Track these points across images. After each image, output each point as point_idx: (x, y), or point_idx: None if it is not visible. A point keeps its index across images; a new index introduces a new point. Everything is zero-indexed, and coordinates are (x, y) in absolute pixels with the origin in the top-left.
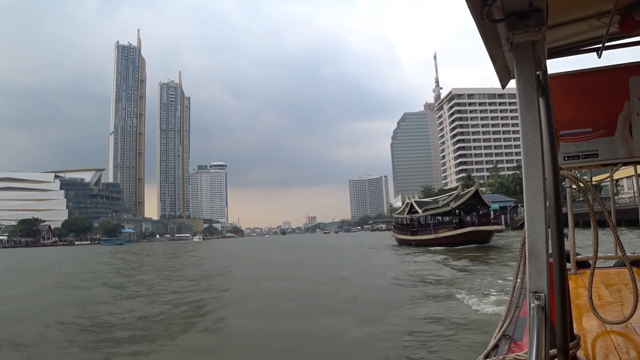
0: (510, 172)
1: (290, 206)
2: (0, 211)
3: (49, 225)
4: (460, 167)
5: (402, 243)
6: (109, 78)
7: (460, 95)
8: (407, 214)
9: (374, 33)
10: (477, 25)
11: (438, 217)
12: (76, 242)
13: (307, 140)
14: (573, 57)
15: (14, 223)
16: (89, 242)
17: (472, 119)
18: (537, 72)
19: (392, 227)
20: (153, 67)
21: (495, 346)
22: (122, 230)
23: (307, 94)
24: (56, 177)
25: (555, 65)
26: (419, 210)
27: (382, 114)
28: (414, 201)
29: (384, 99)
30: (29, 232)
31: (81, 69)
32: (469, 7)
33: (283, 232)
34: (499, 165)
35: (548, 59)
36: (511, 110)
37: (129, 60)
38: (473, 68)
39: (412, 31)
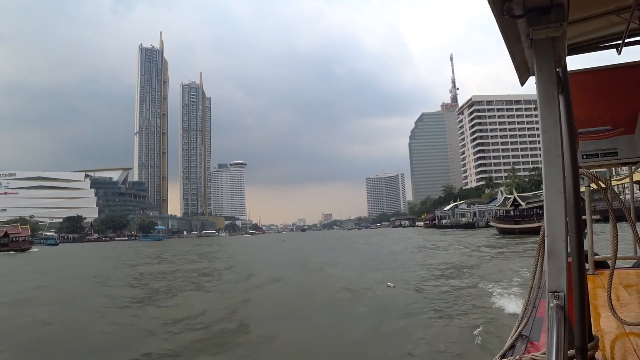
0: (526, 174)
1: (304, 203)
2: (35, 209)
3: (91, 223)
4: (480, 169)
5: (503, 232)
6: (125, 77)
7: (480, 102)
8: (510, 206)
9: (386, 30)
10: (497, 21)
11: (539, 209)
12: (116, 238)
13: (320, 138)
14: (592, 54)
15: (48, 220)
16: (126, 238)
17: (490, 124)
18: (557, 69)
19: (493, 218)
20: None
21: (512, 346)
22: (156, 227)
23: (319, 91)
24: (86, 176)
25: (574, 62)
26: (522, 204)
27: (396, 111)
28: (517, 195)
29: (397, 95)
30: (73, 228)
31: (96, 69)
32: (489, 3)
33: (302, 229)
34: (516, 167)
35: (567, 55)
36: (527, 116)
37: (152, 62)
38: (485, 64)
39: (425, 26)
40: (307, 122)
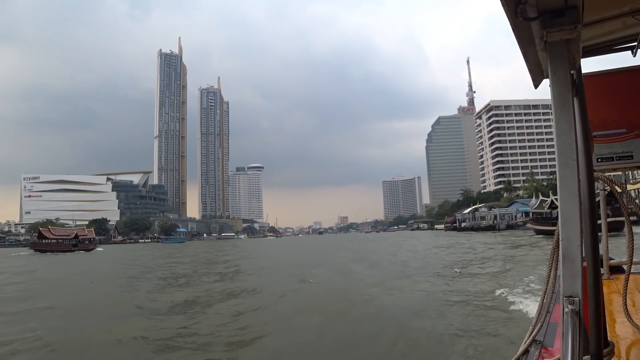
0: (545, 177)
1: (320, 206)
2: (59, 211)
3: (115, 225)
4: (499, 172)
5: (540, 233)
6: (143, 81)
7: (498, 107)
8: (548, 208)
9: (402, 32)
10: (510, 24)
11: None
12: (139, 240)
13: (336, 141)
14: (606, 56)
15: (72, 223)
16: (149, 240)
17: (509, 128)
18: (572, 72)
19: (529, 220)
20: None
21: (526, 351)
22: (178, 230)
23: (335, 94)
24: (108, 179)
25: (588, 65)
26: None
27: (412, 114)
28: (554, 198)
29: (413, 98)
30: (98, 230)
31: (115, 73)
32: (503, 5)
33: (320, 232)
34: (534, 171)
35: (581, 58)
36: (545, 120)
37: (171, 67)
38: (502, 66)
39: (440, 29)
40: (323, 125)
